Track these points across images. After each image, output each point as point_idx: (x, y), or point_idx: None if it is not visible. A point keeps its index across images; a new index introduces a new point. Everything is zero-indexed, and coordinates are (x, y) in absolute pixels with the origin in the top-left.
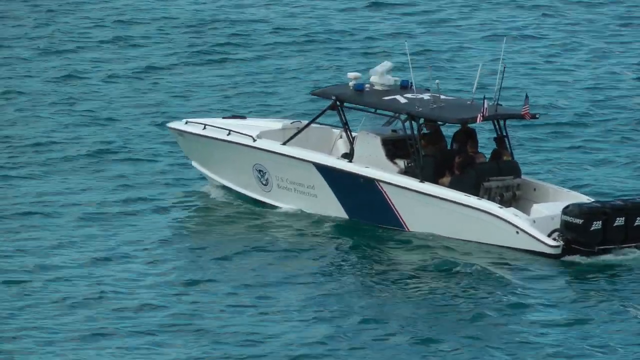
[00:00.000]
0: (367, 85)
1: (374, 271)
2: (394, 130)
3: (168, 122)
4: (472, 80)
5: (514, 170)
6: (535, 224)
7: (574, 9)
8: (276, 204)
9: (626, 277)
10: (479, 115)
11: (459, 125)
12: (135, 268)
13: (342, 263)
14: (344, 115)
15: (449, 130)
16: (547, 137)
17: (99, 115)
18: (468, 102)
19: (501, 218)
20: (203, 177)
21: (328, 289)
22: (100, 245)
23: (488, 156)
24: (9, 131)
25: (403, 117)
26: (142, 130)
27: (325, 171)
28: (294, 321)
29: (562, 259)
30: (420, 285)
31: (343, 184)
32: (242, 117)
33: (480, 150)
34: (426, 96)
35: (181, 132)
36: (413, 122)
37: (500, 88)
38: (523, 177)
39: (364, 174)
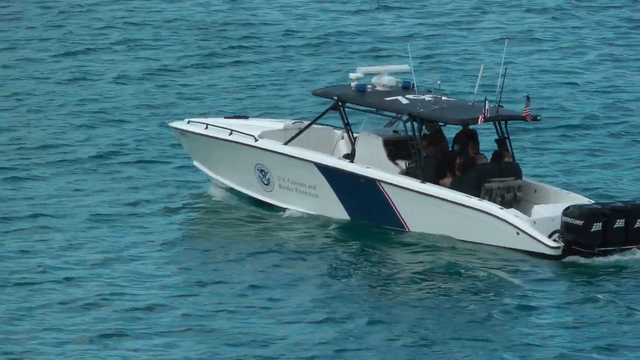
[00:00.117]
0: (368, 86)
1: (377, 273)
2: (395, 131)
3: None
4: (484, 82)
5: (515, 171)
6: (535, 225)
7: (584, 12)
8: (277, 203)
9: (626, 279)
10: (481, 116)
11: (460, 126)
12: (144, 269)
13: (347, 265)
14: (346, 116)
15: (451, 133)
16: (556, 140)
17: (109, 116)
18: (469, 104)
19: (502, 219)
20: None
21: (334, 290)
22: (110, 247)
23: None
24: (20, 132)
25: (404, 117)
26: (153, 132)
27: (327, 171)
28: (302, 323)
29: (563, 260)
30: (423, 287)
31: (344, 184)
32: (244, 117)
33: (481, 152)
34: (428, 97)
35: (183, 132)
36: (414, 123)
37: (502, 90)
38: (525, 178)
39: (365, 174)
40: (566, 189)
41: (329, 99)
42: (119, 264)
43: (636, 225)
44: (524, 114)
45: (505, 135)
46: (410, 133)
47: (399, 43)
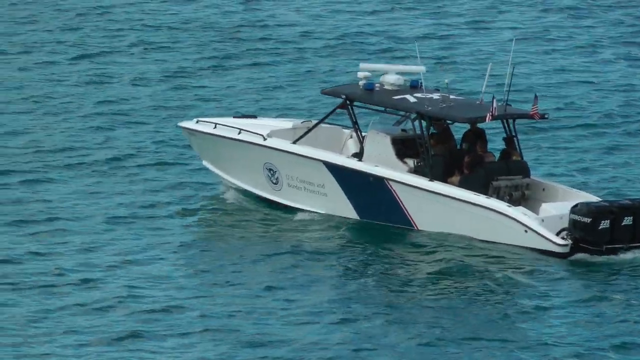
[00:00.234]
0: (377, 85)
1: (390, 273)
2: (403, 130)
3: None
4: (498, 81)
5: (523, 170)
6: (543, 222)
7: (599, 11)
8: (286, 202)
9: (634, 276)
10: (488, 114)
11: (468, 124)
12: (162, 271)
13: (360, 265)
14: (354, 115)
15: (459, 131)
16: (573, 138)
17: (127, 119)
18: (477, 102)
19: (510, 217)
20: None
21: (349, 291)
22: (127, 248)
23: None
24: (38, 135)
25: (413, 116)
26: (170, 134)
27: (335, 170)
28: (318, 323)
29: (570, 257)
30: (435, 286)
31: (353, 182)
32: (253, 116)
33: (489, 150)
34: (436, 96)
35: (192, 131)
36: (422, 121)
37: (510, 89)
38: (533, 177)
39: (373, 172)
40: (582, 188)
41: (333, 96)
42: (137, 265)
43: None
44: (531, 112)
45: (513, 134)
46: (418, 131)
47: (415, 43)
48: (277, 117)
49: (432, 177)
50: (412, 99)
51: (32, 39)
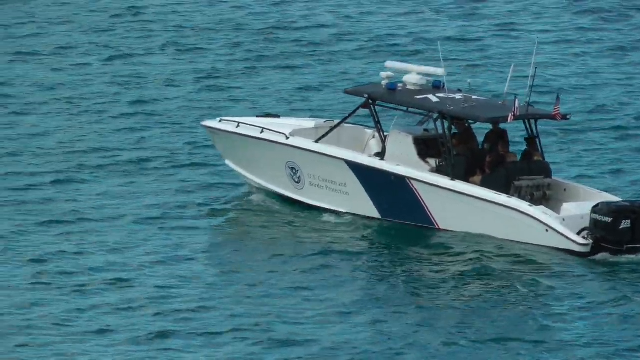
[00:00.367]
0: (399, 85)
1: (414, 272)
2: (425, 130)
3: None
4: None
5: (544, 170)
6: (564, 222)
7: (634, 12)
8: (308, 201)
9: None
10: (510, 114)
11: (490, 124)
12: (192, 270)
13: (386, 266)
14: (376, 114)
15: (481, 132)
16: (607, 141)
17: (160, 119)
18: (500, 102)
19: (531, 216)
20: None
21: (377, 291)
22: (159, 248)
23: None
24: (71, 135)
25: (435, 116)
26: (203, 135)
27: (357, 169)
28: (348, 323)
29: (591, 257)
30: (460, 286)
31: (374, 181)
32: (276, 115)
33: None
34: (458, 96)
35: (215, 130)
36: (444, 121)
37: (531, 91)
38: (554, 177)
39: (395, 171)
40: (614, 191)
41: (356, 96)
42: (167, 265)
43: None
44: (553, 113)
45: (535, 134)
46: (440, 131)
47: (438, 44)
48: (310, 117)
49: (454, 177)
50: (434, 99)
51: (65, 40)
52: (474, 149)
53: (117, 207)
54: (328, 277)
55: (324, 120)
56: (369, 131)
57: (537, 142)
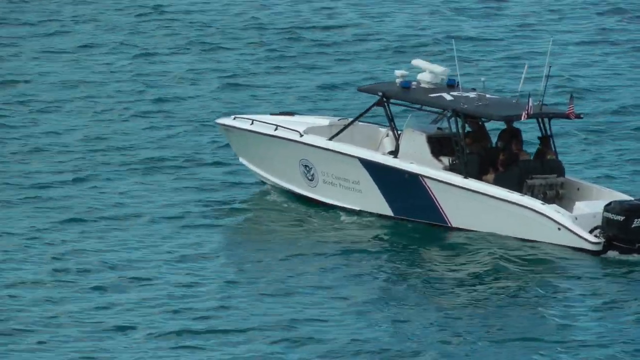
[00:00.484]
0: (413, 83)
1: (430, 271)
2: (439, 128)
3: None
4: (551, 82)
5: (557, 169)
6: (577, 220)
7: None
8: (321, 199)
9: None
10: (524, 113)
11: (504, 123)
12: (211, 269)
13: (402, 264)
14: (390, 112)
15: (494, 131)
16: (628, 142)
17: (183, 118)
18: (513, 101)
19: (543, 214)
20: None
21: (393, 290)
22: (178, 246)
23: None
24: (94, 133)
25: (448, 114)
26: None
27: (371, 166)
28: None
29: (603, 255)
30: (474, 285)
31: (388, 179)
32: (291, 113)
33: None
34: (472, 94)
35: (229, 128)
36: (458, 119)
37: (545, 91)
38: (567, 176)
39: (408, 169)
40: (637, 192)
41: (370, 94)
42: (187, 263)
43: None
44: (567, 112)
45: (548, 133)
46: (454, 130)
47: (475, 46)
48: (333, 116)
49: (467, 175)
50: (448, 97)
51: (90, 39)
52: (487, 147)
53: (138, 205)
54: (346, 275)
55: (338, 118)
56: (383, 129)
57: (551, 141)
